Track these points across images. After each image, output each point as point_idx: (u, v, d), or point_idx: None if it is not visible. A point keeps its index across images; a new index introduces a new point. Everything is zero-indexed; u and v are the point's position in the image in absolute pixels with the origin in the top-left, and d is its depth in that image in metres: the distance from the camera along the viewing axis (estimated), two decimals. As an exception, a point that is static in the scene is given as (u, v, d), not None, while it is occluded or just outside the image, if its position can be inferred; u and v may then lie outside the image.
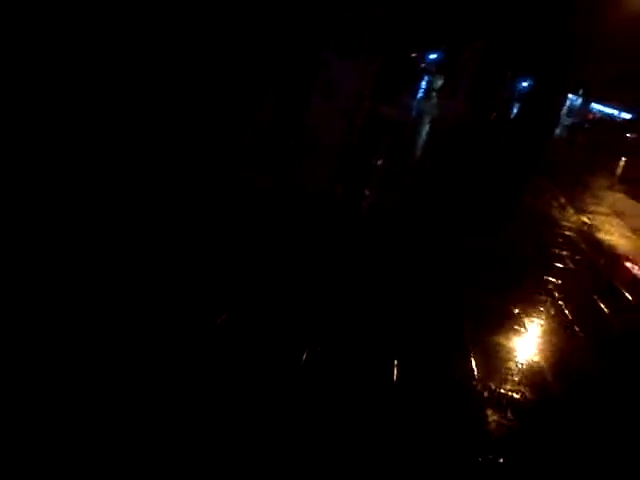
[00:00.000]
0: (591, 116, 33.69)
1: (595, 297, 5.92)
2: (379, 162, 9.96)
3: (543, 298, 5.62)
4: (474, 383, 3.79)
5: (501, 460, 3.10)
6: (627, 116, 33.73)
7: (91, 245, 4.26)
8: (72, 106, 4.83)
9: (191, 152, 5.96)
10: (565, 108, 22.55)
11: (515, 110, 25.28)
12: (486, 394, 3.69)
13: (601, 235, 8.50)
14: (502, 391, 3.78)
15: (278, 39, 7.25)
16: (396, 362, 3.76)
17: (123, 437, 2.59)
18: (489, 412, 3.50)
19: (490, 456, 3.11)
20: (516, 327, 4.85)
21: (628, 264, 7.53)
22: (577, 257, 7.18)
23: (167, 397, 2.93)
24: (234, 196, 5.94)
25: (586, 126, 21.60)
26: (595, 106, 36.40)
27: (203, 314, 3.77)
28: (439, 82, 26.58)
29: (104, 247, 4.31)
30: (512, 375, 4.03)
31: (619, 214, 10.22)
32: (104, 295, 3.72)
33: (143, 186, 5.34)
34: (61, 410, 2.65)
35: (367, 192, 8.13)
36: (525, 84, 27.74)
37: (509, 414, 3.54)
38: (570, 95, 28.66)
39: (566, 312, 5.36)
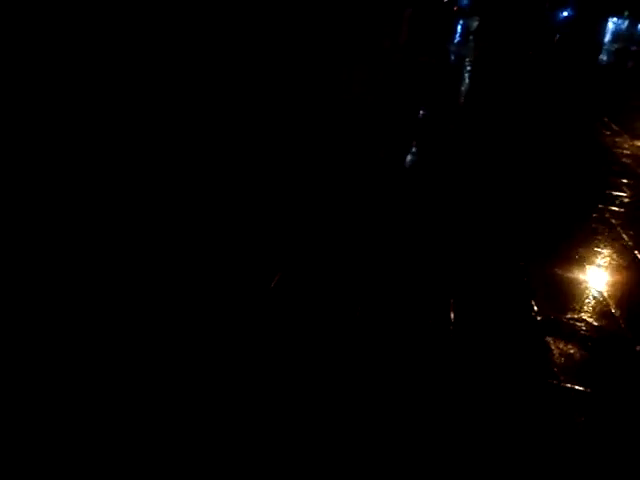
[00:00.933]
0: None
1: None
2: (421, 113, 9.80)
3: (601, 227, 5.51)
4: (534, 313, 3.81)
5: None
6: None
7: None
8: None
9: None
10: (609, 33, 21.47)
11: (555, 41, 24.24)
12: (547, 322, 3.72)
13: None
14: (564, 320, 3.79)
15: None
16: (452, 301, 3.82)
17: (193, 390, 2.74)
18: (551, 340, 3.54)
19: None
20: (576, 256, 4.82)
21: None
22: (634, 184, 6.96)
23: (227, 361, 3.06)
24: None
25: (633, 49, 20.53)
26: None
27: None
28: (474, 24, 25.71)
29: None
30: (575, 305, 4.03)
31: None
32: (160, 254, 3.88)
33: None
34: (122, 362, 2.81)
35: (413, 146, 8.05)
36: (565, 14, 26.56)
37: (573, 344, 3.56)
38: (614, 19, 27.27)
39: (625, 238, 5.26)
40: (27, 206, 4.13)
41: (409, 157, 7.43)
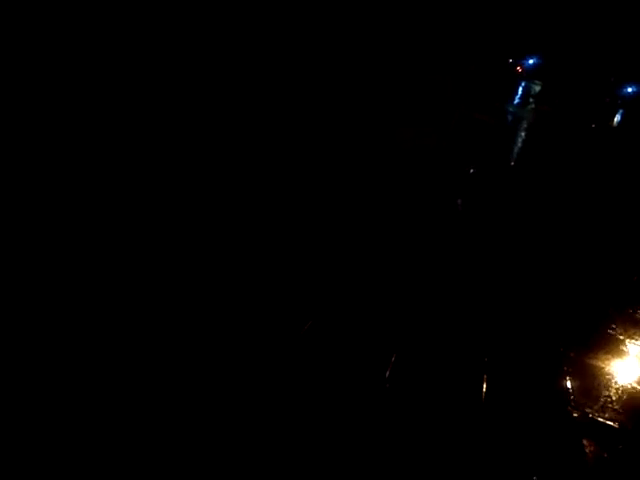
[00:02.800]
0: None
1: None
2: (472, 170, 9.69)
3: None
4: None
5: None
6: None
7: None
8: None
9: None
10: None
11: (618, 117, 24.04)
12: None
13: None
14: (600, 418, 3.57)
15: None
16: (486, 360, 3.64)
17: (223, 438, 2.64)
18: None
19: None
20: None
21: None
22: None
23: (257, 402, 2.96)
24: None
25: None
26: None
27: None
28: (537, 87, 25.67)
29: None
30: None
31: None
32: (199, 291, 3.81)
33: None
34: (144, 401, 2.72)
35: (459, 201, 7.91)
36: (630, 90, 26.33)
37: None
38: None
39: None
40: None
41: (456, 209, 7.30)
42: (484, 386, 3.57)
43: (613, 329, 4.90)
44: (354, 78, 6.89)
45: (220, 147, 5.39)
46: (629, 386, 4.08)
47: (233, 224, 4.96)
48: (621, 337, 4.79)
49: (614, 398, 3.84)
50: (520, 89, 24.15)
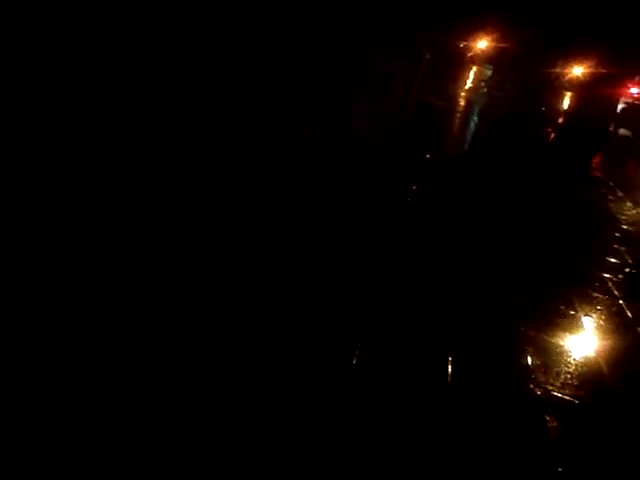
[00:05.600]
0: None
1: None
2: (427, 155, 9.78)
3: (601, 296, 5.42)
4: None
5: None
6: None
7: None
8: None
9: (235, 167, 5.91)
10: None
11: (567, 100, 24.62)
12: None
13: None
14: (561, 395, 3.67)
15: (323, 32, 7.13)
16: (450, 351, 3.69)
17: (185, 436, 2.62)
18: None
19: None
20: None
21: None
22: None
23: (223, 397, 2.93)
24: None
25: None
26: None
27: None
28: (488, 72, 26.05)
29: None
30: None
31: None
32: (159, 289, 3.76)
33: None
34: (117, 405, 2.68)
35: (414, 187, 7.97)
36: (578, 72, 26.94)
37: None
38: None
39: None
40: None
41: (411, 195, 7.36)
42: (449, 368, 3.63)
43: (570, 306, 5.03)
44: (307, 71, 6.87)
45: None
46: (587, 361, 4.20)
47: (188, 215, 4.90)
48: (578, 314, 4.92)
49: (574, 374, 3.95)
50: (472, 74, 24.48)
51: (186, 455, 2.53)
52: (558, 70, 27.49)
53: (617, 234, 7.54)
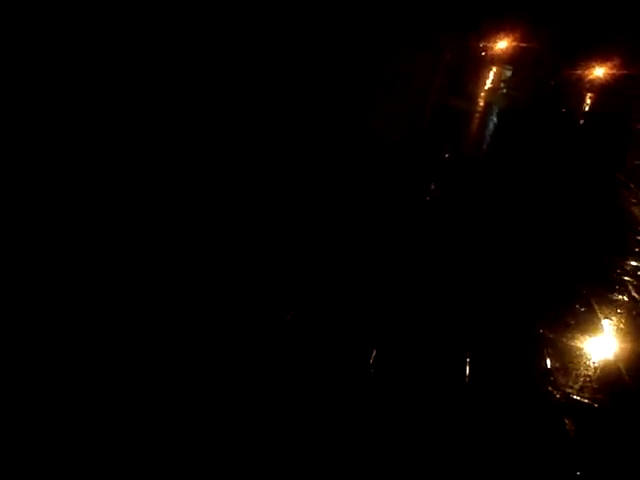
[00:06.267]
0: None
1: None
2: (446, 155, 9.74)
3: (621, 299, 5.38)
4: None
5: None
6: None
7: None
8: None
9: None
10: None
11: (588, 101, 24.35)
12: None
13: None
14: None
15: (346, 34, 7.12)
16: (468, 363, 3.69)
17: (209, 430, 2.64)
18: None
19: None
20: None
21: None
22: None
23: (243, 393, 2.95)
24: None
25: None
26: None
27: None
28: (508, 73, 25.85)
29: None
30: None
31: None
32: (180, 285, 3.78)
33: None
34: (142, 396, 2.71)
35: (433, 186, 7.94)
36: (598, 73, 26.62)
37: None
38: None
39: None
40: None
41: (430, 194, 7.32)
42: (467, 370, 3.62)
43: (590, 309, 5.00)
44: (329, 71, 6.87)
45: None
46: (606, 364, 4.17)
47: (209, 213, 4.93)
48: (598, 316, 4.89)
49: (593, 378, 3.92)
50: (491, 74, 24.31)
51: (204, 447, 2.55)
52: (579, 71, 27.20)
53: (638, 237, 7.47)
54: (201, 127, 5.45)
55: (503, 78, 24.70)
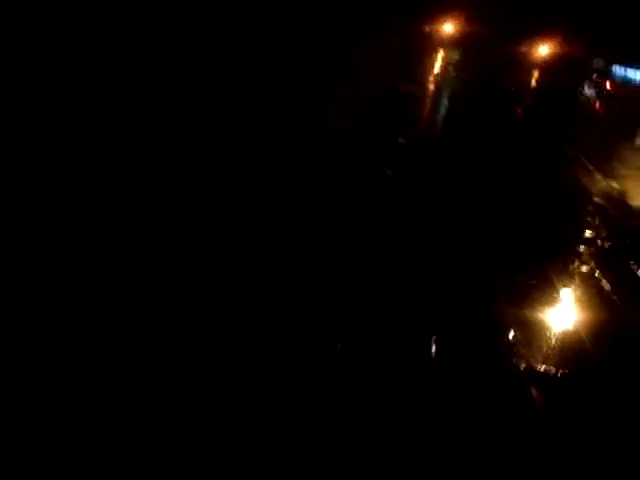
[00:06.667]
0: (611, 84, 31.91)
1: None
2: (400, 140, 9.80)
3: (577, 269, 5.51)
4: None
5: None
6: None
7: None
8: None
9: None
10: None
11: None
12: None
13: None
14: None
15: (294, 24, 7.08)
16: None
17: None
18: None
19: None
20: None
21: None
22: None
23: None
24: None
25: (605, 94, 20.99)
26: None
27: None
28: (455, 56, 26.09)
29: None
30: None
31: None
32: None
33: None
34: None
35: (389, 172, 7.98)
36: (542, 51, 27.10)
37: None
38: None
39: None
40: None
41: (386, 180, 7.36)
42: (433, 348, 3.68)
43: (548, 281, 5.11)
44: (276, 64, 6.83)
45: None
46: (567, 333, 4.29)
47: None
48: (556, 287, 5.01)
49: (556, 347, 4.03)
50: (440, 58, 24.50)
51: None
52: (524, 49, 27.65)
53: (589, 207, 7.66)
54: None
55: (451, 61, 24.95)
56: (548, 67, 24.67)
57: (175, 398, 2.80)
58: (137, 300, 3.53)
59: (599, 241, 6.40)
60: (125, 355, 3.02)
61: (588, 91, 20.49)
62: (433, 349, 3.64)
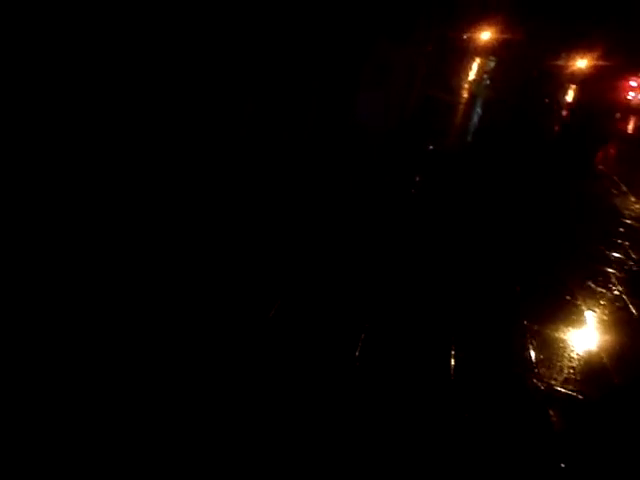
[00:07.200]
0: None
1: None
2: (430, 147, 9.74)
3: (605, 291, 5.40)
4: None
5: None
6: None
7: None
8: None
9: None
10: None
11: (571, 92, 24.50)
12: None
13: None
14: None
15: (327, 29, 7.06)
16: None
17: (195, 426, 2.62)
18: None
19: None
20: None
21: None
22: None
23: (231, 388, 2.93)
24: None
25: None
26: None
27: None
28: (491, 64, 25.93)
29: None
30: (574, 372, 3.90)
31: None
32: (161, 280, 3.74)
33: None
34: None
35: (418, 178, 7.93)
36: (581, 64, 26.81)
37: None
38: None
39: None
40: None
41: (415, 187, 7.30)
42: (452, 362, 3.61)
43: (574, 301, 5.02)
44: (312, 64, 6.82)
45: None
46: (590, 356, 4.19)
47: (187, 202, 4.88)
48: (581, 308, 4.91)
49: (577, 369, 3.94)
50: (475, 66, 24.36)
51: (189, 449, 2.53)
52: (562, 62, 27.36)
53: (621, 229, 7.52)
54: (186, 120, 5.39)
55: (487, 69, 24.78)
56: (584, 81, 24.35)
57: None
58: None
59: (629, 264, 6.28)
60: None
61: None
62: (452, 363, 3.57)
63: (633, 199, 9.07)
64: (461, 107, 14.66)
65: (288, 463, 2.58)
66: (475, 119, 13.76)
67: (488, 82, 21.44)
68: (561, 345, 4.23)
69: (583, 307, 4.94)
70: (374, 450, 2.78)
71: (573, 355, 4.11)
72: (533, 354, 3.99)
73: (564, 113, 19.13)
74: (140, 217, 4.49)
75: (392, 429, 2.94)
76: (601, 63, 25.18)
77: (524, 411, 3.36)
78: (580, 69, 26.74)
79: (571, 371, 3.89)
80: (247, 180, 5.66)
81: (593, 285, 5.47)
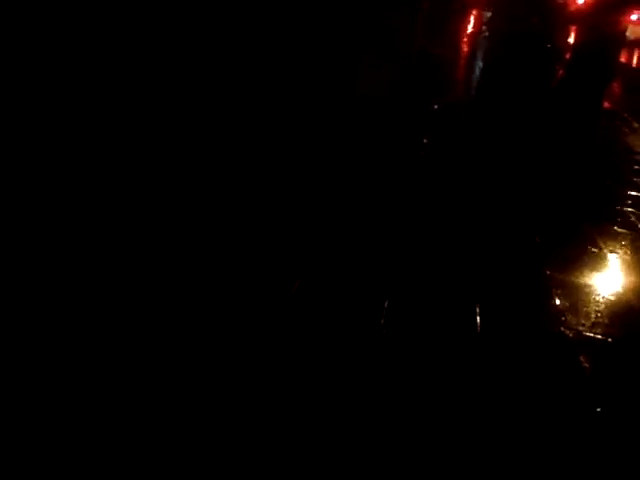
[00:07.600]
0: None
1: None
2: (435, 107, 9.62)
3: (625, 231, 5.35)
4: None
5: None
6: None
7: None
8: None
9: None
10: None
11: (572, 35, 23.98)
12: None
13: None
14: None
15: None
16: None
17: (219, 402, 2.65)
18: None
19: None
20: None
21: None
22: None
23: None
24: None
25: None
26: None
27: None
28: (487, 14, 25.44)
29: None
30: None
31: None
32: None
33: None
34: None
35: (425, 140, 7.84)
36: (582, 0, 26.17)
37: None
38: None
39: None
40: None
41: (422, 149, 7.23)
42: (477, 319, 3.62)
43: (594, 244, 4.98)
44: (310, 28, 6.73)
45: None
46: (616, 298, 4.17)
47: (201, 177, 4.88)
48: (603, 251, 4.87)
49: (604, 313, 3.93)
50: (472, 18, 23.94)
51: (213, 426, 2.56)
52: (561, 1, 26.77)
53: (636, 167, 7.41)
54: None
55: (484, 21, 24.30)
56: (587, 20, 23.79)
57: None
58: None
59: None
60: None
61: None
62: (478, 320, 3.58)
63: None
64: (462, 61, 14.44)
65: (320, 429, 2.61)
66: (477, 72, 13.55)
67: (487, 34, 21.05)
68: (586, 290, 4.22)
69: (605, 250, 4.91)
70: (407, 414, 2.80)
71: (599, 299, 4.10)
72: (558, 302, 3.98)
73: (567, 56, 18.75)
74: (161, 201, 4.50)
75: (425, 392, 2.97)
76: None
77: (554, 359, 3.36)
78: (580, 7, 26.11)
79: (599, 315, 3.88)
80: (253, 157, 5.64)
81: (612, 226, 5.42)
